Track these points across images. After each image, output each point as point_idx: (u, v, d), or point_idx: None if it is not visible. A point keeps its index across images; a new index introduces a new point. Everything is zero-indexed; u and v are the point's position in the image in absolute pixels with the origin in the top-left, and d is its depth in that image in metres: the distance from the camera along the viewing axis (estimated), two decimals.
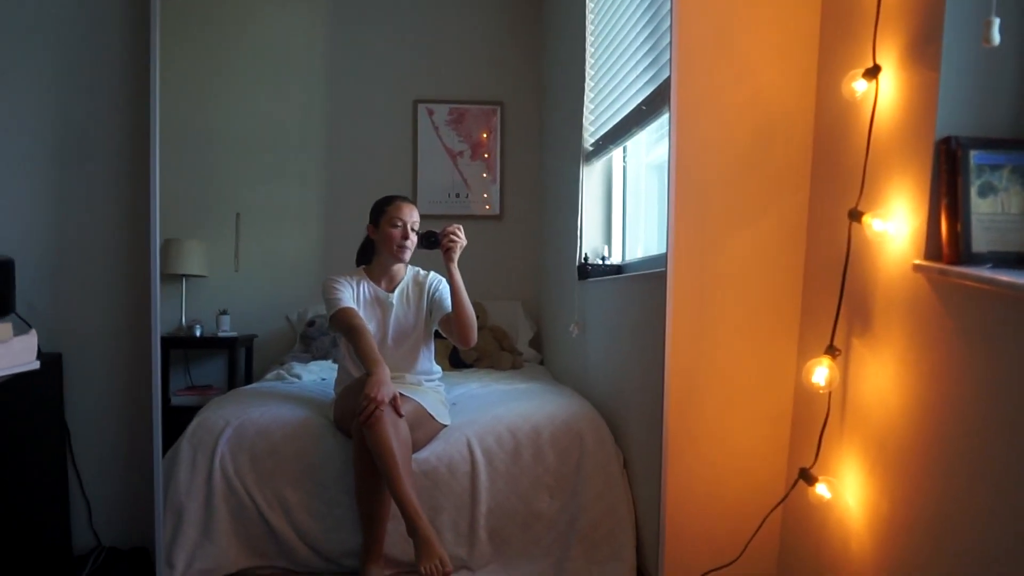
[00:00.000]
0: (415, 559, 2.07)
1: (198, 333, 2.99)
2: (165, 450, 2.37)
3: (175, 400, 2.90)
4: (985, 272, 1.35)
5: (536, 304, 3.50)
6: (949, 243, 1.47)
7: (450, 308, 2.49)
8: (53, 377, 2.07)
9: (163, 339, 2.91)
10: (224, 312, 3.08)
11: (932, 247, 1.52)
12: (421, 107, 3.53)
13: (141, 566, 2.03)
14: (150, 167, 1.89)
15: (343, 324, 2.43)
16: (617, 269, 2.80)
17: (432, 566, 2.01)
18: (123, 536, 2.14)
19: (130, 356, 2.11)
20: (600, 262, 2.91)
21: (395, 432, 2.18)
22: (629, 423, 2.42)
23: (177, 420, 2.46)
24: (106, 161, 2.12)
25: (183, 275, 3.06)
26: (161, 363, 2.84)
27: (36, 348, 1.68)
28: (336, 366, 2.67)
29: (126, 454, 2.12)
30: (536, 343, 3.43)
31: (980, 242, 1.45)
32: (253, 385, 2.83)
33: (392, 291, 2.57)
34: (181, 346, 3.00)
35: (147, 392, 1.89)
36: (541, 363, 3.38)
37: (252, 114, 3.41)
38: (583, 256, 2.95)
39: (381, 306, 2.55)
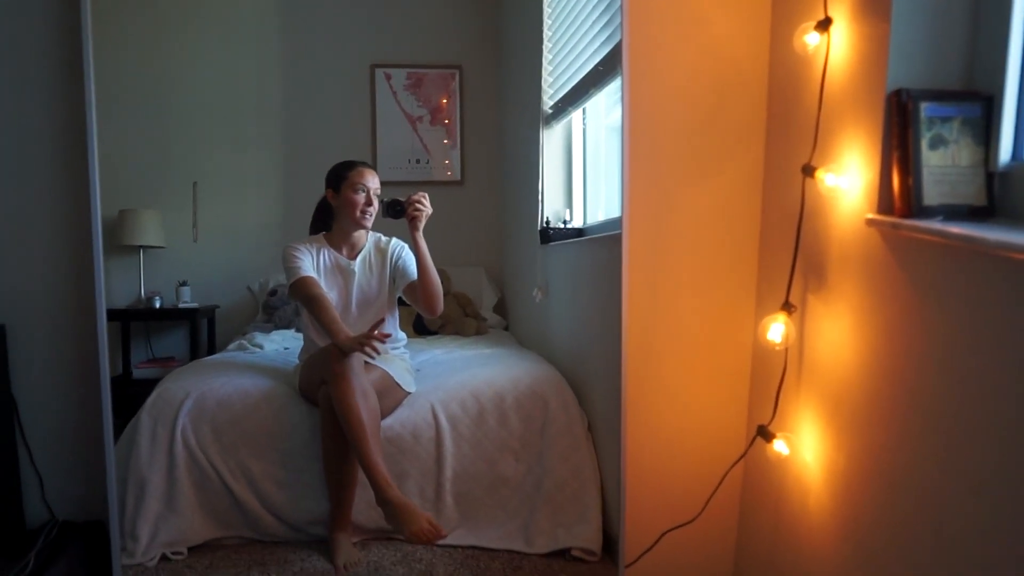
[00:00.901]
0: (394, 527, 2.07)
1: (158, 305, 2.95)
2: (126, 423, 2.35)
3: (136, 373, 2.86)
4: (936, 225, 1.36)
5: (499, 269, 3.48)
6: (901, 196, 1.47)
7: (414, 276, 2.47)
8: None
9: (122, 311, 2.90)
10: (184, 283, 3.03)
11: (884, 201, 1.52)
12: (379, 71, 3.47)
13: (97, 539, 2.00)
14: (87, 134, 1.83)
15: (302, 294, 2.41)
16: (579, 232, 2.79)
17: (419, 528, 2.01)
18: (78, 509, 2.12)
19: (79, 328, 2.07)
20: (562, 226, 2.90)
21: (364, 401, 2.18)
22: (592, 385, 2.43)
23: (139, 393, 2.43)
24: (44, 126, 2.05)
25: (140, 246, 3.00)
26: (121, 336, 2.86)
27: None
28: (300, 335, 2.65)
29: (79, 426, 2.09)
30: (500, 308, 3.42)
31: (931, 195, 1.45)
32: (214, 356, 2.81)
33: (354, 258, 2.55)
34: (141, 318, 2.95)
35: (95, 365, 1.86)
36: (506, 328, 3.38)
37: (206, 81, 3.33)
38: (545, 220, 2.94)
39: (343, 274, 2.53)
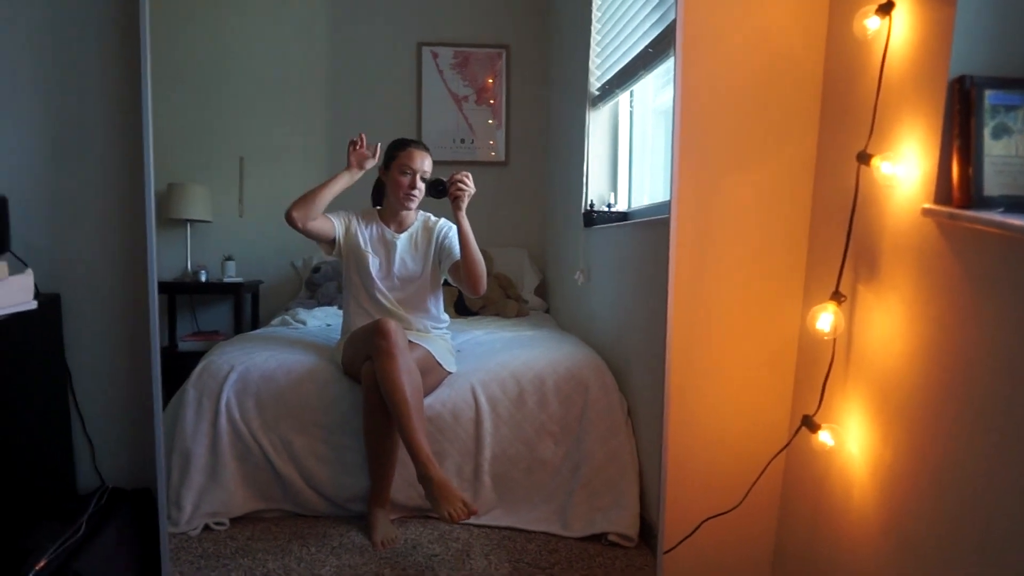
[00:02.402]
0: (432, 505, 2.08)
1: (203, 279, 2.99)
2: (171, 395, 2.39)
3: (182, 345, 2.91)
4: (996, 216, 1.32)
5: (542, 251, 3.47)
6: (960, 186, 1.43)
7: (459, 255, 2.48)
8: (52, 318, 2.06)
9: (168, 284, 2.95)
10: (229, 258, 3.06)
11: (942, 191, 1.48)
12: (425, 50, 3.46)
13: (144, 505, 2.05)
14: (142, 108, 1.85)
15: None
16: (623, 216, 2.76)
17: (455, 509, 2.01)
18: (127, 477, 2.16)
19: (131, 299, 2.10)
20: (606, 209, 2.87)
21: (409, 378, 2.20)
22: (633, 370, 2.42)
23: (184, 365, 2.47)
24: (101, 100, 2.08)
25: (187, 220, 3.04)
26: (167, 308, 2.90)
27: (33, 288, 1.67)
28: (341, 312, 2.67)
29: (129, 397, 2.13)
30: (541, 291, 3.41)
31: (992, 185, 1.42)
32: (257, 331, 2.84)
33: (400, 234, 2.56)
34: (186, 291, 2.99)
35: (147, 336, 1.89)
36: (547, 311, 3.37)
37: (254, 57, 3.36)
38: (589, 203, 2.91)
39: (386, 246, 2.55)
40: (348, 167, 2.44)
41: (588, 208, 2.90)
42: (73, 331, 2.10)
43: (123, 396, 2.14)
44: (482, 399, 2.40)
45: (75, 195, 2.09)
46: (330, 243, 2.52)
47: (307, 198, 2.39)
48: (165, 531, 1.95)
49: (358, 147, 2.44)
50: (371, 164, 2.46)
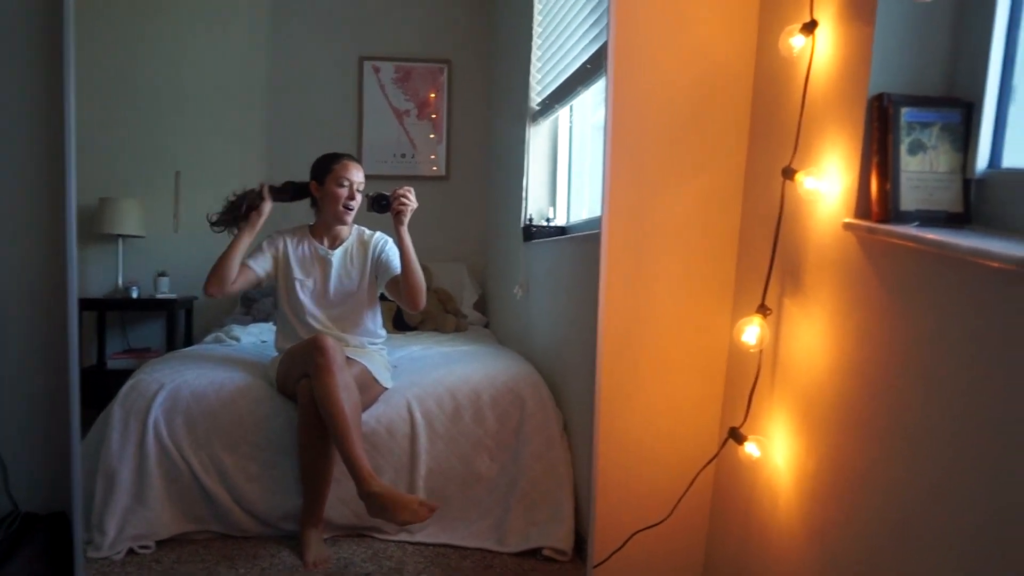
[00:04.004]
0: (385, 518, 2.05)
1: (135, 295, 2.91)
2: (98, 414, 2.32)
3: (111, 363, 2.82)
4: (911, 230, 1.35)
5: (482, 266, 3.46)
6: (878, 201, 1.46)
7: (397, 271, 2.45)
8: None
9: (98, 301, 2.86)
10: (163, 274, 2.99)
11: (862, 205, 1.51)
12: (367, 64, 3.44)
13: (59, 531, 1.98)
14: (65, 120, 1.81)
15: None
16: (561, 231, 2.77)
17: (413, 512, 2.00)
18: (42, 501, 2.08)
19: (50, 315, 2.03)
20: (545, 223, 2.88)
21: (347, 395, 2.17)
22: (570, 385, 2.42)
23: (113, 384, 2.40)
24: (22, 112, 2.03)
25: (119, 235, 2.97)
26: (97, 325, 2.82)
27: None
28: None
29: (46, 417, 2.06)
30: (481, 306, 3.40)
31: (909, 200, 1.45)
32: (189, 348, 2.78)
33: (334, 249, 2.53)
34: (117, 308, 2.91)
35: (66, 354, 1.83)
36: (486, 326, 3.36)
37: (191, 71, 3.30)
38: (528, 217, 2.92)
39: (321, 263, 2.51)
40: (248, 223, 2.41)
41: (527, 222, 2.90)
42: None
43: (40, 416, 2.06)
44: (417, 414, 2.37)
45: None
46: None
47: (217, 270, 2.40)
48: (81, 557, 1.89)
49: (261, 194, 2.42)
50: (268, 209, 2.43)
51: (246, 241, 2.41)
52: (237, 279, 2.42)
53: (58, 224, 1.94)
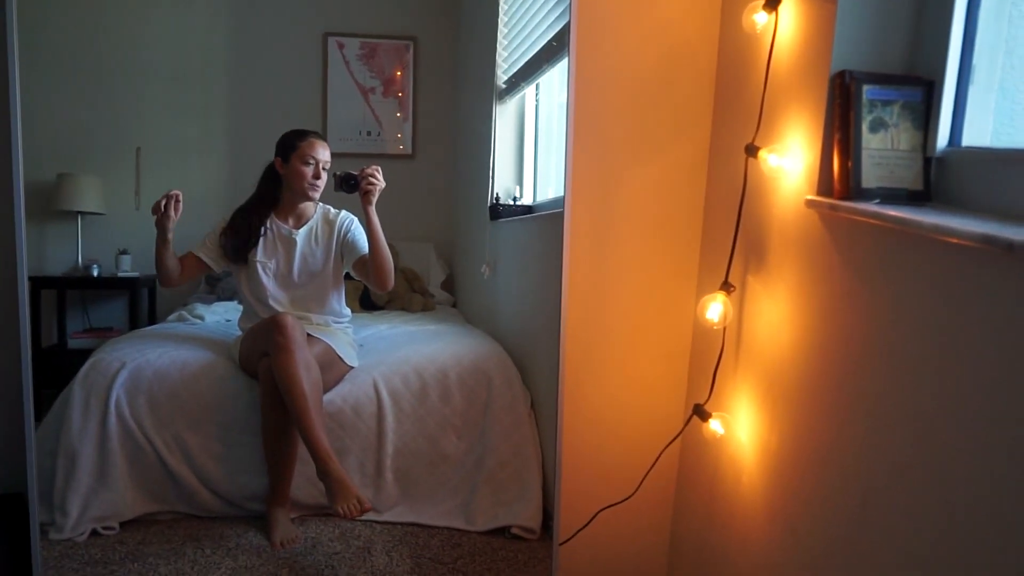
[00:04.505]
0: (329, 501, 2.07)
1: (96, 273, 2.86)
2: (58, 394, 2.29)
3: (72, 343, 2.78)
4: (872, 207, 1.37)
5: (448, 245, 3.44)
6: (840, 178, 1.47)
7: (364, 251, 2.43)
8: None
9: (58, 279, 2.81)
10: (124, 252, 2.94)
11: (824, 182, 1.52)
12: (331, 40, 3.39)
13: (16, 512, 1.95)
14: (9, 92, 1.76)
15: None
16: (528, 209, 2.77)
17: (349, 505, 2.02)
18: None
19: (2, 295, 1.99)
20: (511, 202, 2.87)
21: (307, 373, 2.16)
22: (536, 363, 2.42)
23: (74, 363, 2.36)
24: None
25: (79, 212, 2.91)
26: (56, 305, 2.78)
27: None
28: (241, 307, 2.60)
29: (0, 398, 2.02)
30: (448, 285, 3.39)
31: (870, 178, 1.46)
32: (152, 327, 2.74)
33: (299, 229, 2.50)
34: (77, 286, 2.86)
35: (17, 331, 1.80)
36: (453, 305, 3.35)
37: (152, 46, 3.23)
38: (495, 196, 2.91)
39: (285, 243, 2.48)
40: (161, 230, 2.32)
41: (494, 201, 2.89)
42: None
43: None
44: (384, 394, 2.36)
45: None
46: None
47: (158, 270, 2.39)
48: (37, 538, 1.86)
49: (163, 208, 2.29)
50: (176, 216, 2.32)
51: (165, 242, 2.34)
52: (185, 270, 2.42)
53: (5, 199, 1.90)
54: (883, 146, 1.47)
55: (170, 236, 2.31)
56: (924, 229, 1.21)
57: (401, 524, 2.29)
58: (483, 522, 2.28)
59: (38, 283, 2.59)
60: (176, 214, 2.28)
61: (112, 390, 2.25)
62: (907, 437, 1.26)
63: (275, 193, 2.53)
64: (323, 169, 2.45)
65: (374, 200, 2.36)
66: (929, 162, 1.47)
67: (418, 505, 2.33)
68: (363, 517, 2.26)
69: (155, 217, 2.29)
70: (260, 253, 2.44)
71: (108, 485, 2.20)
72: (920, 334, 1.24)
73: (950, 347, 1.17)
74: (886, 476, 1.31)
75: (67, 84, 2.93)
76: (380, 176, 2.37)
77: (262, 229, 2.47)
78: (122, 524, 2.21)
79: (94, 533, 2.16)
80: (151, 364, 2.32)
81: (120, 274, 2.90)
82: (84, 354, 2.45)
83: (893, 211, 1.31)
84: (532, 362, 2.45)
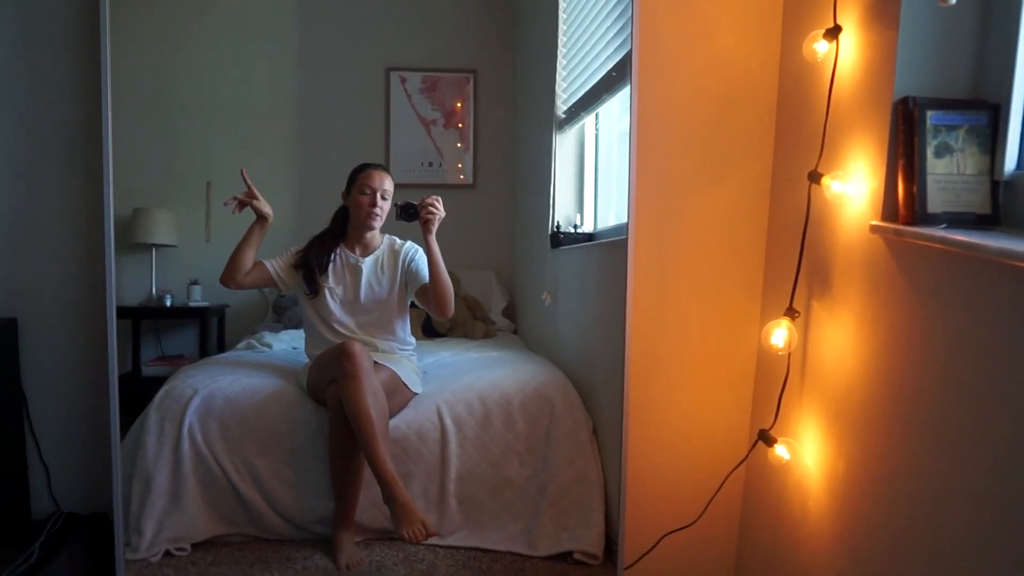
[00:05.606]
0: (394, 526, 2.09)
1: (168, 303, 2.97)
2: (134, 419, 2.37)
3: (146, 370, 2.88)
4: (939, 232, 1.36)
5: (509, 273, 3.48)
6: (905, 204, 1.47)
7: (426, 279, 2.48)
8: (8, 343, 2.05)
9: (133, 309, 2.92)
10: (195, 282, 3.04)
11: (889, 208, 1.52)
12: (394, 75, 3.48)
13: (101, 531, 2.03)
14: (102, 132, 1.86)
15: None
16: (589, 237, 2.79)
17: (414, 530, 2.04)
18: (84, 502, 2.14)
19: (90, 324, 2.10)
20: (572, 230, 2.90)
21: (374, 400, 2.20)
22: (599, 389, 2.43)
23: (148, 390, 2.44)
24: (62, 125, 2.08)
25: (152, 244, 3.02)
26: (132, 333, 2.88)
27: None
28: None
29: (86, 421, 2.12)
30: (509, 312, 3.42)
31: (935, 203, 1.46)
32: (222, 355, 2.82)
33: (365, 257, 2.57)
34: (151, 316, 2.97)
35: (106, 360, 1.88)
36: (515, 332, 3.38)
37: (221, 82, 3.35)
38: (555, 224, 2.94)
39: (351, 271, 2.55)
40: (257, 212, 2.47)
41: (555, 229, 2.92)
42: (29, 356, 2.09)
43: (81, 421, 2.12)
44: (448, 420, 2.39)
45: (34, 219, 2.08)
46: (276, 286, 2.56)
47: (229, 262, 2.46)
48: (121, 556, 1.93)
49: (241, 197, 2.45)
50: (266, 208, 2.49)
51: (256, 234, 2.47)
52: (251, 273, 2.48)
53: (96, 234, 2.00)
54: (949, 171, 1.46)
55: (267, 222, 2.47)
56: (991, 253, 1.20)
57: (464, 548, 2.31)
58: (545, 547, 2.29)
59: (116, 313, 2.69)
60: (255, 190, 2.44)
61: (185, 416, 2.32)
62: (979, 464, 1.24)
63: (344, 225, 2.61)
64: (382, 198, 2.51)
65: (434, 229, 2.41)
66: (997, 186, 1.46)
67: (481, 530, 2.35)
68: (427, 541, 2.29)
69: (234, 205, 2.45)
70: (330, 279, 2.52)
71: (181, 508, 2.27)
72: (990, 360, 1.23)
73: (1021, 372, 1.16)
74: (958, 503, 1.29)
75: (141, 122, 3.05)
76: (440, 205, 2.42)
77: (332, 256, 2.54)
78: (194, 545, 2.27)
79: (167, 554, 2.22)
80: (222, 391, 2.39)
81: (191, 304, 3.01)
82: (157, 381, 2.53)
83: (960, 235, 1.30)
84: (594, 388, 2.46)
